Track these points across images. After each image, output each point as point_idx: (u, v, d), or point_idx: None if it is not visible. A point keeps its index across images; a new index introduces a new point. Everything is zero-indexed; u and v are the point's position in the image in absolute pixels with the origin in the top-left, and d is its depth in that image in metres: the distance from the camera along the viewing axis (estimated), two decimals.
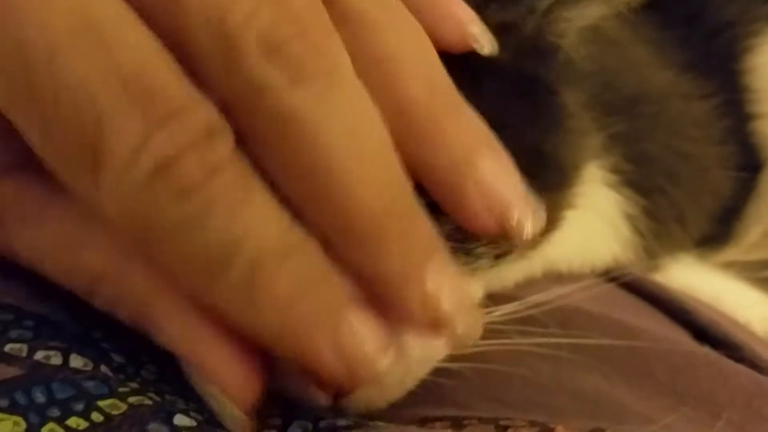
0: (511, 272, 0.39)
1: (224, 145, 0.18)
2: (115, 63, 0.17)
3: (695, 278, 0.50)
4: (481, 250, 0.32)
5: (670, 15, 0.54)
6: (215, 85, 0.18)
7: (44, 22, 0.17)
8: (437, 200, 0.22)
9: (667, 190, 0.46)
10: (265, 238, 0.18)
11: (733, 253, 0.56)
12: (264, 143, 0.18)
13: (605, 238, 0.44)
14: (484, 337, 0.32)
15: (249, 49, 0.17)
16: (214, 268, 0.18)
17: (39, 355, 0.27)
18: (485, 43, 0.26)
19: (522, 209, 0.22)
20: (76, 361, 0.27)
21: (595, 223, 0.43)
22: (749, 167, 0.54)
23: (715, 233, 0.54)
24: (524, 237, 0.23)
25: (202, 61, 0.18)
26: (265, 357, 0.24)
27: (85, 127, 0.18)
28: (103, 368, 0.27)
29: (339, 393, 0.28)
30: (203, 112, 0.18)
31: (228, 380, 0.22)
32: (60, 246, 0.23)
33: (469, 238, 0.31)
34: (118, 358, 0.28)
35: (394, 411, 0.29)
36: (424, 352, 0.30)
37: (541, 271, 0.41)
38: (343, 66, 0.18)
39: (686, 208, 0.48)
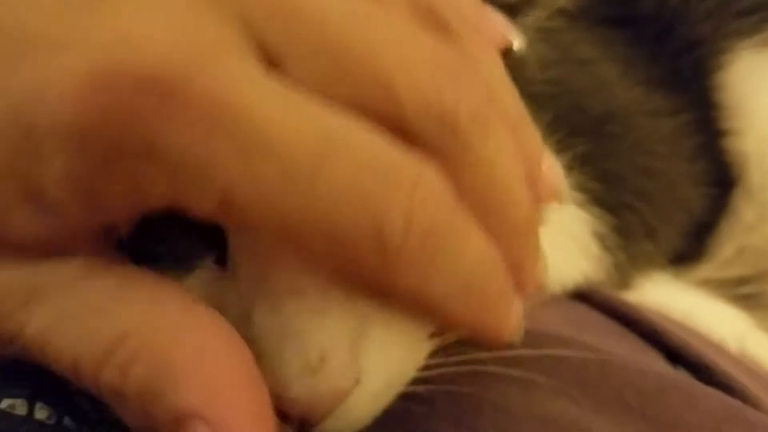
0: None
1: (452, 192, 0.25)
2: (362, 162, 0.23)
3: (669, 296, 0.50)
4: None
5: (640, 32, 0.54)
6: (431, 150, 0.25)
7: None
8: None
9: (636, 208, 0.46)
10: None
11: (707, 270, 0.55)
12: (468, 185, 0.26)
13: (574, 257, 0.43)
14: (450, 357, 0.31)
15: (461, 121, 0.25)
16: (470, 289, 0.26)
17: (4, 404, 0.26)
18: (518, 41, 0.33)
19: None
20: (41, 413, 0.27)
21: (563, 242, 0.42)
22: (721, 183, 0.53)
23: (689, 250, 0.54)
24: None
25: (417, 134, 0.24)
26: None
27: (368, 221, 0.23)
28: (67, 420, 0.27)
29: (304, 425, 0.28)
30: (433, 173, 0.24)
31: None
32: (83, 312, 0.24)
33: None
34: (83, 404, 0.27)
35: None
36: (390, 376, 0.30)
37: None
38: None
39: (657, 225, 0.47)
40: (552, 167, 0.33)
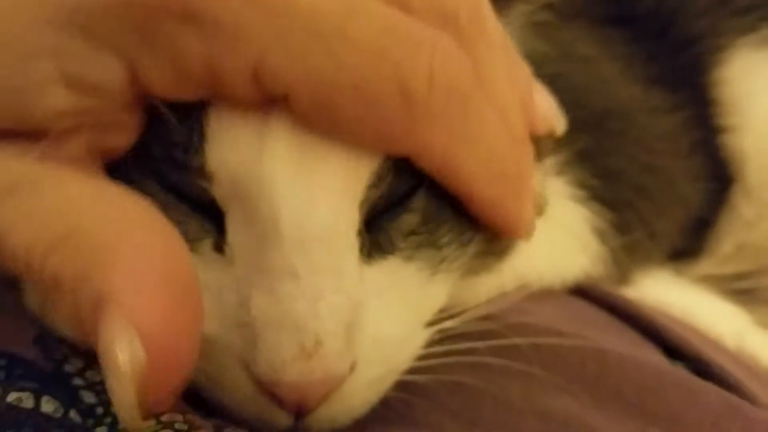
0: (483, 287, 0.38)
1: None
2: (383, 25, 0.26)
3: (668, 293, 0.50)
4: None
5: (639, 30, 0.54)
6: None
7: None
8: None
9: (635, 204, 0.46)
10: None
11: (707, 266, 0.55)
12: None
13: (574, 252, 0.43)
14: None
15: (460, 20, 0.28)
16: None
17: (11, 397, 0.26)
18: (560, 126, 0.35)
19: None
20: (48, 406, 0.27)
21: (563, 238, 0.42)
22: (719, 179, 0.53)
23: (688, 246, 0.53)
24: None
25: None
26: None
27: (392, 77, 0.26)
28: (73, 414, 0.27)
29: (300, 412, 0.28)
30: (451, 41, 0.27)
31: (155, 336, 0.23)
32: (45, 211, 0.25)
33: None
34: (88, 398, 0.28)
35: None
36: (385, 364, 0.30)
37: (512, 286, 0.41)
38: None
39: (655, 221, 0.47)
40: (544, 97, 0.34)
